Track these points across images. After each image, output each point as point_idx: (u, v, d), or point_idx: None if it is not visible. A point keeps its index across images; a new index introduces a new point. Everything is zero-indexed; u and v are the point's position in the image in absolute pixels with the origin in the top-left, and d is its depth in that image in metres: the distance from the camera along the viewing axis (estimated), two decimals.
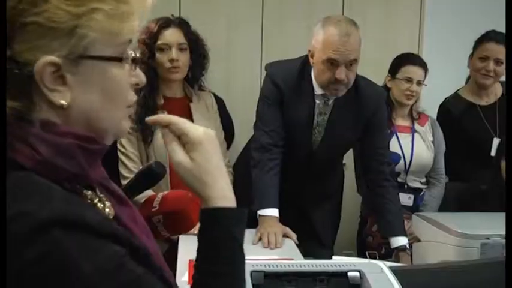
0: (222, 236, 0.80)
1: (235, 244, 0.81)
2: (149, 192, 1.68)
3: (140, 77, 0.82)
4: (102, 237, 0.69)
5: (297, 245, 1.88)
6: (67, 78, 0.73)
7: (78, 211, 0.69)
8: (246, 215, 0.84)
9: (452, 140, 2.64)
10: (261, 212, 1.98)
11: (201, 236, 0.81)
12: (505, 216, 2.08)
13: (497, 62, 2.58)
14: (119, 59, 0.76)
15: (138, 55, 0.81)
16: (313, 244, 2.23)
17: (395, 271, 1.23)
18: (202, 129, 0.84)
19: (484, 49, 2.61)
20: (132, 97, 0.81)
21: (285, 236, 1.90)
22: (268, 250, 1.81)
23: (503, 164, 2.29)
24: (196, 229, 0.84)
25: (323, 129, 2.18)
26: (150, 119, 0.86)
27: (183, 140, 0.83)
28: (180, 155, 0.83)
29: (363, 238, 2.59)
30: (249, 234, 1.92)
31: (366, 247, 2.47)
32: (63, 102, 0.73)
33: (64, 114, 0.74)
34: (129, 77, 0.79)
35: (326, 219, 2.39)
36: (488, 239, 1.67)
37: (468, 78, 2.79)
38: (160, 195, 1.19)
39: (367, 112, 2.17)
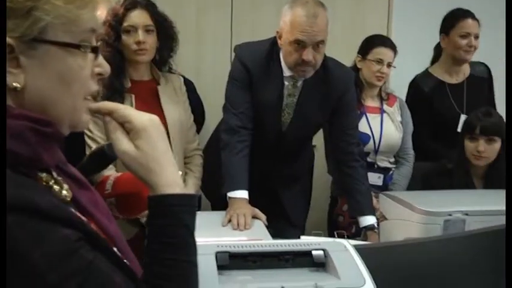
0: (172, 223, 0.79)
1: (185, 231, 0.80)
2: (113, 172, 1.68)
3: (104, 67, 0.81)
4: (53, 221, 0.69)
5: (267, 226, 1.90)
6: (21, 61, 0.72)
7: (29, 195, 0.68)
8: (195, 201, 0.83)
9: (422, 117, 2.69)
10: (230, 194, 1.99)
11: (149, 224, 0.80)
12: (467, 193, 2.15)
13: (476, 37, 2.69)
14: (76, 46, 0.75)
15: (100, 44, 0.80)
16: (283, 225, 2.26)
17: (359, 249, 1.24)
18: (146, 116, 0.82)
19: (463, 26, 2.68)
20: (94, 87, 0.80)
21: (254, 217, 1.92)
22: (238, 232, 1.81)
23: (467, 142, 2.34)
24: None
25: (292, 111, 2.19)
26: (91, 106, 0.83)
27: (126, 127, 0.81)
28: (124, 143, 0.81)
29: (333, 218, 2.63)
30: (220, 216, 1.94)
31: (337, 227, 2.51)
32: (16, 84, 0.72)
33: (18, 97, 0.73)
34: (91, 67, 0.79)
35: (296, 199, 2.41)
36: (450, 215, 1.71)
37: (433, 59, 2.84)
38: (112, 177, 1.17)
39: (335, 93, 2.19)
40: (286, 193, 2.36)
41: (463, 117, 2.65)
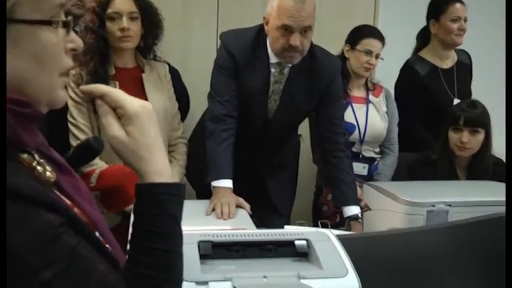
0: (158, 212, 0.79)
1: (171, 220, 0.80)
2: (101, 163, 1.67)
3: (77, 41, 0.80)
4: (36, 206, 0.68)
5: (252, 215, 1.89)
6: None
7: (12, 179, 0.67)
8: (183, 190, 0.83)
9: (415, 101, 2.70)
10: (214, 183, 1.98)
11: (136, 212, 0.80)
12: (450, 184, 2.16)
13: (465, 20, 2.72)
14: (48, 23, 0.74)
15: (70, 18, 0.79)
16: (269, 214, 2.25)
17: (342, 239, 1.24)
18: (138, 102, 0.81)
19: (454, 11, 2.71)
20: (68, 63, 0.79)
21: (238, 206, 1.91)
22: (222, 221, 1.81)
23: (450, 133, 2.36)
24: None
25: (278, 98, 2.18)
26: (84, 88, 0.83)
27: (118, 112, 0.81)
28: (115, 128, 0.80)
29: (318, 207, 2.63)
30: (204, 205, 1.93)
31: (321, 216, 2.51)
32: None
33: None
34: (63, 42, 0.78)
35: (282, 188, 2.41)
36: (433, 206, 1.72)
37: (418, 47, 2.84)
38: (97, 170, 1.18)
39: (322, 81, 2.18)
40: (272, 181, 2.35)
41: (456, 101, 2.68)
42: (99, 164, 1.64)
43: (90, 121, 2.02)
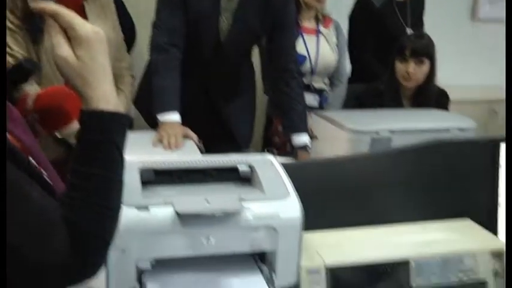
0: (101, 140, 0.78)
1: (114, 148, 0.79)
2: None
3: None
4: None
5: (209, 146, 1.87)
6: None
7: None
8: (127, 121, 0.82)
9: (369, 33, 2.70)
10: (160, 117, 1.93)
11: (79, 138, 0.78)
12: (394, 112, 2.20)
13: None
14: None
15: None
16: (227, 144, 2.20)
17: (285, 165, 1.26)
18: (90, 27, 0.79)
19: None
20: None
21: (186, 137, 1.90)
22: (169, 152, 1.80)
23: (397, 63, 2.38)
24: None
25: (231, 16, 2.07)
26: (35, 5, 0.79)
27: (69, 34, 0.78)
28: (65, 49, 0.78)
29: (269, 137, 2.65)
30: (151, 136, 1.91)
31: (272, 146, 2.53)
32: None
33: None
34: None
35: (239, 115, 2.33)
36: (377, 133, 1.75)
37: None
38: (34, 93, 1.14)
39: (276, 3, 2.10)
40: (228, 109, 2.27)
41: (409, 31, 2.70)
42: (35, 90, 1.58)
43: (28, 50, 1.93)
